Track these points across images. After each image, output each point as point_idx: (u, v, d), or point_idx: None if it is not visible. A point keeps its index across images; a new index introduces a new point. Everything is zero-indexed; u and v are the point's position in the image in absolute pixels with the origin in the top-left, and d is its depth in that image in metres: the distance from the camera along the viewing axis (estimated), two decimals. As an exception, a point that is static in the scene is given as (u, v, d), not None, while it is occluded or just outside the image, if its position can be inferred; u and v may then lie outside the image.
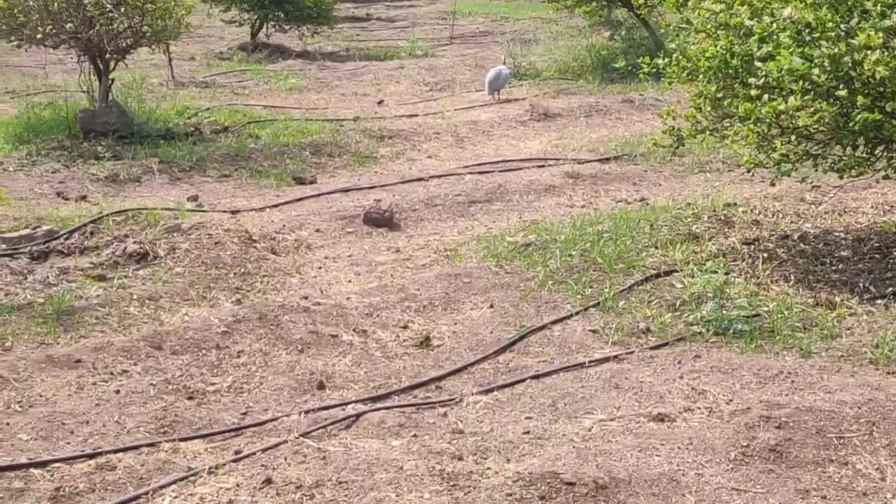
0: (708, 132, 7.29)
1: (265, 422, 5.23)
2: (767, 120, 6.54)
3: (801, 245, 7.55)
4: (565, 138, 11.99)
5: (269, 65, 17.79)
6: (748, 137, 6.67)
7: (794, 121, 6.58)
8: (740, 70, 6.97)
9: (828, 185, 8.54)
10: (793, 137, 6.70)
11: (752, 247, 7.51)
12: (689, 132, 7.38)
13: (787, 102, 6.38)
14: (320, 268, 7.68)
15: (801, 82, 6.40)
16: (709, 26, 7.15)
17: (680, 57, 7.28)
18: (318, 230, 8.43)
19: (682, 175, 10.08)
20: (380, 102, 14.13)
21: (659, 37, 16.27)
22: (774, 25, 6.76)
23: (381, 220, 8.55)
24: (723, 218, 8.13)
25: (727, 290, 6.58)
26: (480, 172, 10.14)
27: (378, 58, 19.00)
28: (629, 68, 15.37)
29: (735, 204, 8.49)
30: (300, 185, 10.03)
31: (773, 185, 9.62)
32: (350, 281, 7.41)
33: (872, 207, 8.35)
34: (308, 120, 12.51)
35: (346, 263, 7.78)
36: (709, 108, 7.12)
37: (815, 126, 6.44)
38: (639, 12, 16.51)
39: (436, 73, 16.73)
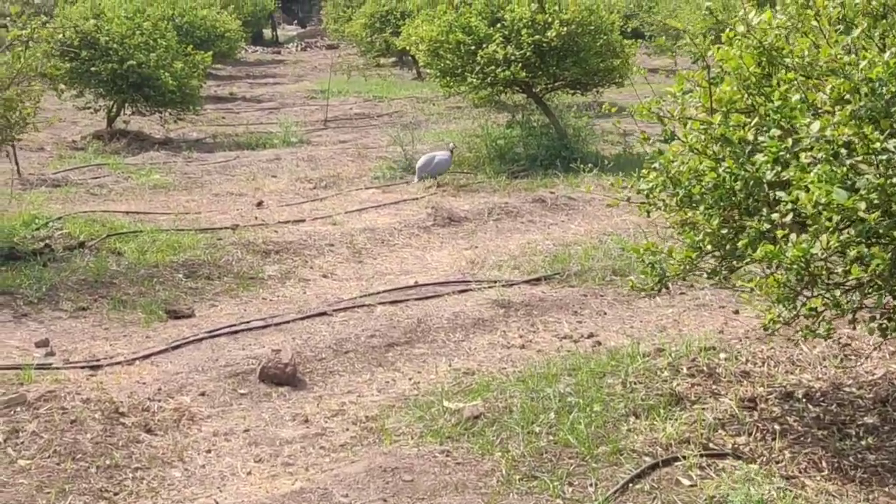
0: (706, 274, 5.79)
1: None
2: (795, 266, 5.06)
3: (811, 407, 6.08)
4: (478, 248, 10.46)
5: (129, 156, 15.97)
6: (768, 288, 5.18)
7: (827, 267, 5.15)
8: (745, 198, 5.52)
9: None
10: (833, 291, 5.21)
11: (755, 413, 6.01)
12: (676, 271, 5.87)
13: (819, 242, 4.93)
14: (209, 451, 5.95)
15: (835, 218, 4.96)
16: (702, 140, 5.68)
17: (666, 180, 5.78)
18: (203, 393, 6.69)
19: (628, 300, 8.58)
20: (259, 204, 12.45)
21: (562, 126, 14.94)
22: (789, 141, 5.32)
23: (282, 377, 6.87)
24: (705, 369, 6.63)
25: (752, 491, 5.04)
26: (393, 302, 8.51)
27: (250, 146, 17.31)
28: (537, 162, 14.14)
29: (714, 348, 7.01)
30: (175, 320, 8.29)
31: (736, 312, 8.24)
32: (251, 473, 5.69)
33: (876, 349, 6.94)
34: (179, 230, 10.76)
35: (242, 443, 6.06)
36: (709, 247, 5.62)
37: (865, 276, 4.99)
38: (540, 97, 15.20)
39: (317, 165, 15.13)
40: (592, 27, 14.28)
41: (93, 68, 16.64)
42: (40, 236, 10.33)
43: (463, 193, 12.94)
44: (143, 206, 12.29)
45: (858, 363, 6.77)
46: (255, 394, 6.74)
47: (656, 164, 5.84)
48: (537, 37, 13.98)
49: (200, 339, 7.63)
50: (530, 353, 7.41)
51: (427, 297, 8.66)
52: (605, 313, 8.32)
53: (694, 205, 5.68)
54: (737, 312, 8.20)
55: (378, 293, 8.78)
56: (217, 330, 7.86)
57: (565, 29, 13.94)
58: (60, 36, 14.88)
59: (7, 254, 9.53)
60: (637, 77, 17.17)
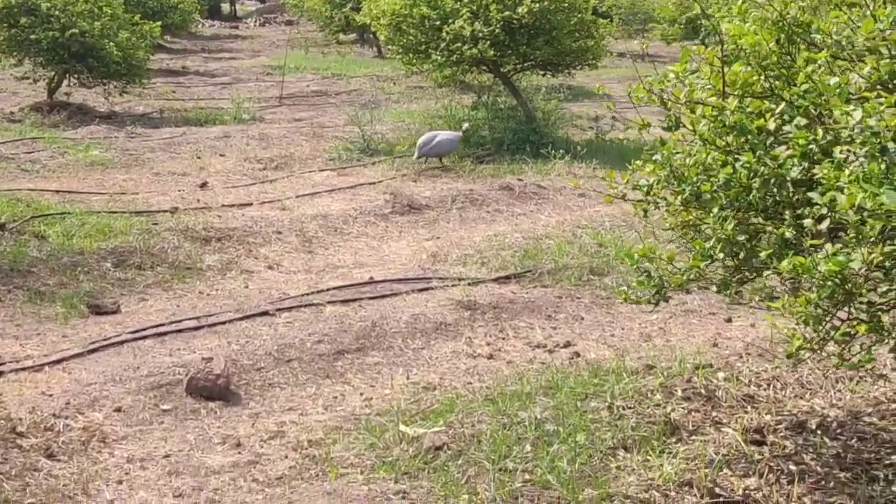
0: (714, 287, 4.89)
1: None
2: (830, 283, 4.17)
3: (828, 441, 5.21)
4: (440, 239, 9.54)
5: (69, 130, 14.91)
6: (796, 308, 4.28)
7: (866, 285, 4.27)
8: (762, 199, 4.63)
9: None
10: (873, 311, 4.33)
11: (764, 448, 5.12)
12: (678, 282, 4.97)
13: (860, 255, 4.04)
14: (121, 483, 5.00)
15: (878, 226, 4.08)
16: (714, 129, 4.77)
17: (669, 175, 4.87)
18: (118, 409, 5.73)
19: (608, 303, 7.71)
20: (203, 185, 11.46)
21: (531, 109, 14.02)
22: (819, 132, 4.45)
23: (213, 390, 5.92)
24: (703, 392, 5.74)
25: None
26: (345, 301, 7.58)
27: (198, 122, 16.28)
28: (504, 146, 13.23)
29: (711, 366, 6.12)
30: (98, 316, 7.33)
31: (728, 320, 7.39)
32: (168, 513, 4.77)
33: (893, 368, 6.09)
34: (112, 212, 9.77)
35: (160, 472, 5.11)
36: (721, 255, 4.72)
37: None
38: (509, 78, 14.27)
39: (268, 144, 14.13)
40: (566, 4, 13.34)
41: (32, 36, 15.56)
42: (-44, 216, 9.32)
43: (424, 178, 12.01)
44: (76, 184, 11.28)
45: (875, 387, 5.90)
46: (180, 410, 5.79)
47: (657, 156, 4.93)
48: (507, 13, 13.02)
49: (122, 342, 6.67)
50: (499, 365, 6.51)
51: (383, 296, 7.73)
52: (583, 318, 7.42)
53: (702, 205, 4.79)
54: (729, 321, 7.35)
55: (328, 290, 7.85)
56: (142, 330, 6.91)
57: (537, 5, 12.97)
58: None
59: (-87, 236, 8.53)
60: (607, 60, 16.36)
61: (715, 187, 4.69)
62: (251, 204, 10.57)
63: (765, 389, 5.83)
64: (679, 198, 4.86)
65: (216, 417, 5.74)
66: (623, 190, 5.10)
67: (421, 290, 7.86)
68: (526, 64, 14.22)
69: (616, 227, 9.73)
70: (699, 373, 5.93)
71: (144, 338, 6.75)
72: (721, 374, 5.97)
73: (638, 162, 5.25)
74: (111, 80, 16.73)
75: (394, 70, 22.01)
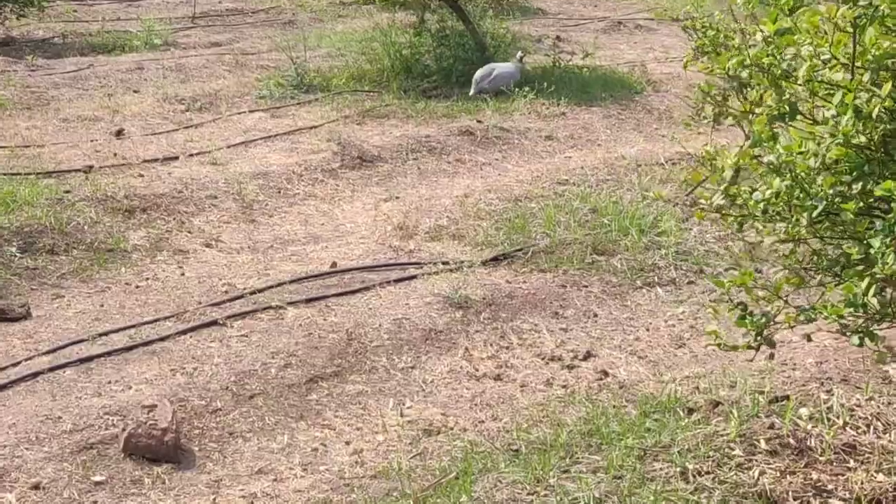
0: (853, 335, 3.62)
1: None
2: None
3: (968, 515, 4.03)
4: (400, 200, 8.21)
5: (-41, 62, 13.21)
6: None
7: None
8: None
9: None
10: None
11: (896, 534, 3.93)
12: (791, 321, 3.72)
13: None
14: None
15: None
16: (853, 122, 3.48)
17: (793, 187, 3.56)
18: (36, 485, 4.35)
19: (621, 291, 6.45)
20: (118, 133, 9.87)
21: (481, 35, 12.61)
22: None
23: (160, 451, 4.56)
24: (791, 441, 4.51)
25: None
26: (308, 301, 6.20)
27: (106, 49, 14.57)
28: (452, 78, 11.84)
29: (787, 397, 4.87)
30: (3, 324, 5.91)
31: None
32: None
33: None
34: (15, 174, 8.22)
35: (98, 589, 3.78)
36: (874, 301, 3.44)
37: None
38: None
39: (187, 76, 12.55)
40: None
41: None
42: None
43: (370, 120, 10.57)
44: (-32, 135, 9.70)
45: None
46: (117, 481, 4.43)
47: (771, 157, 3.62)
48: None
49: (36, 374, 5.24)
50: (511, 390, 5.25)
51: (353, 291, 6.37)
52: (596, 315, 6.16)
53: (838, 228, 3.52)
54: (769, 315, 6.11)
55: (286, 283, 6.46)
56: (61, 349, 5.50)
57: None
58: None
59: None
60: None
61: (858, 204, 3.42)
62: (177, 157, 9.07)
63: (864, 433, 4.61)
64: (804, 216, 3.57)
65: (165, 489, 4.39)
66: (719, 201, 3.79)
67: (397, 281, 6.52)
68: (477, -16, 12.77)
69: (602, 182, 8.48)
70: (787, 417, 4.65)
71: (65, 366, 5.33)
72: (804, 412, 4.73)
73: (709, 149, 3.99)
74: (6, 2, 14.97)
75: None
